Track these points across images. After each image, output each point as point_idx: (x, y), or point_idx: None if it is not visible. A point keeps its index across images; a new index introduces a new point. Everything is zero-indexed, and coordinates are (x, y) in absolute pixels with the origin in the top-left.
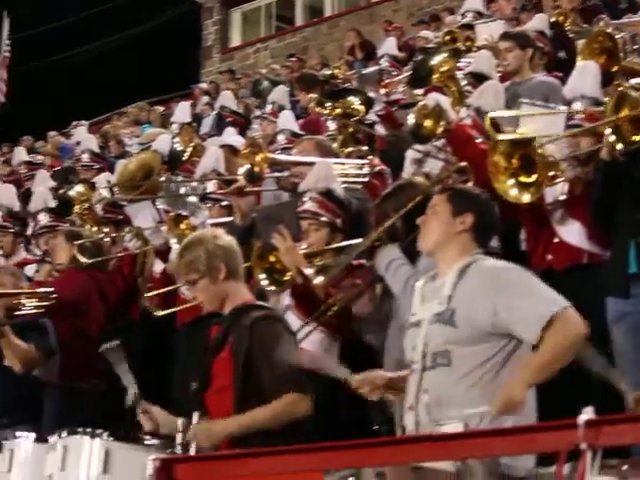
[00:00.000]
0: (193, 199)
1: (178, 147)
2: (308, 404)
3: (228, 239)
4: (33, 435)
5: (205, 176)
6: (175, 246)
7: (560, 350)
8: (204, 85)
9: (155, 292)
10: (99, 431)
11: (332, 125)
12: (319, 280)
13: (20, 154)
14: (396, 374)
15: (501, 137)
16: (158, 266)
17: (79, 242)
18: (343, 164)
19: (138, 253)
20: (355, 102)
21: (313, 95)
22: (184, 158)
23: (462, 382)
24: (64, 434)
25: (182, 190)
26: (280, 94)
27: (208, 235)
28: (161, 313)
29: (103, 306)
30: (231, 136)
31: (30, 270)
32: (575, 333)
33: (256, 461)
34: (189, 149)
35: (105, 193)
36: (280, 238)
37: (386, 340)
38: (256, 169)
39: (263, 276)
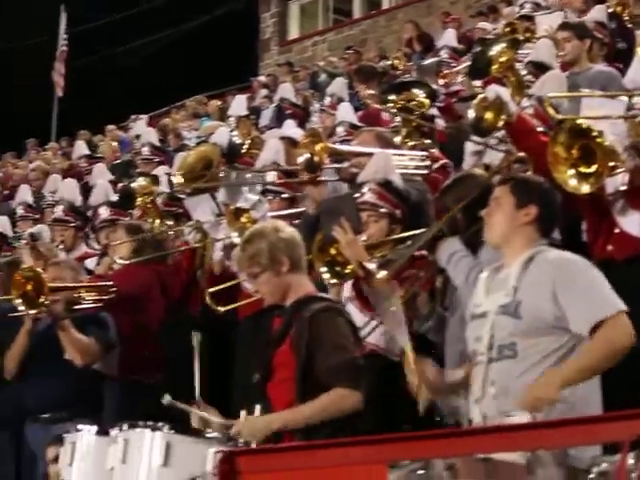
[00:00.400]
0: (253, 193)
1: (236, 140)
2: (357, 400)
3: (290, 231)
4: (94, 428)
5: (265, 168)
6: (236, 240)
7: (601, 356)
8: (262, 78)
9: (216, 288)
10: (160, 424)
11: (397, 117)
12: (382, 274)
13: (80, 148)
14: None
15: (562, 117)
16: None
17: (140, 235)
18: (402, 155)
19: (198, 247)
20: (420, 95)
21: (373, 91)
22: (242, 151)
23: (528, 374)
24: (125, 427)
25: (243, 182)
26: (339, 86)
27: (270, 228)
28: (223, 309)
29: (163, 300)
30: (290, 128)
31: (91, 264)
32: (621, 343)
33: (318, 453)
34: (247, 142)
35: (165, 187)
36: (341, 231)
37: (447, 332)
38: (315, 159)
39: (324, 269)
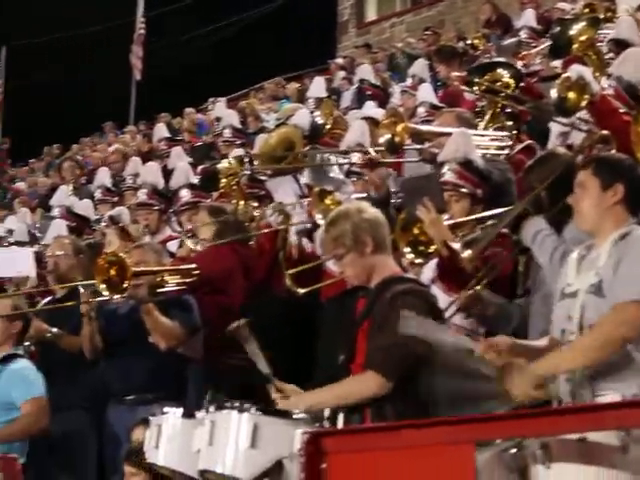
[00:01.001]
0: (338, 174)
1: (319, 120)
2: (382, 387)
3: (374, 212)
4: (180, 410)
5: (349, 149)
6: (320, 221)
7: (601, 338)
8: (340, 60)
9: (296, 270)
10: (247, 405)
11: (481, 98)
12: (467, 253)
13: (161, 131)
14: (523, 341)
15: None
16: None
17: (222, 218)
18: (484, 136)
19: (280, 228)
20: (505, 75)
21: (457, 72)
22: (324, 131)
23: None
24: (212, 409)
25: (327, 163)
26: (420, 67)
27: (353, 209)
28: (303, 291)
29: (247, 282)
30: (371, 109)
31: (174, 246)
32: (619, 330)
33: (404, 433)
34: (330, 122)
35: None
36: (424, 210)
37: (530, 310)
38: (397, 139)
39: (407, 249)
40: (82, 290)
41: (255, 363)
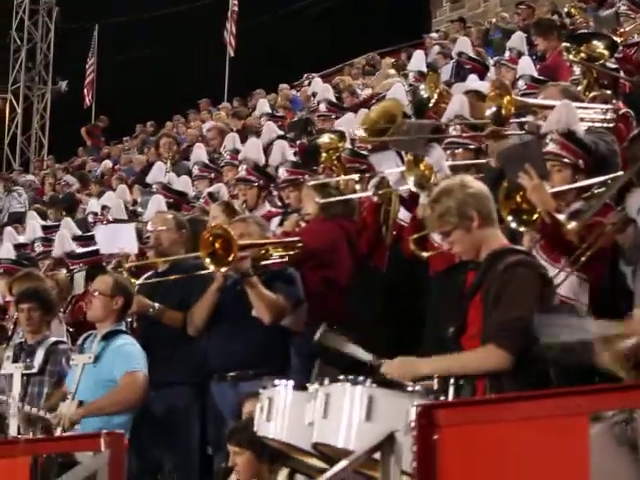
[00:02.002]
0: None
1: (424, 94)
2: (505, 361)
3: (477, 185)
4: (292, 383)
5: (449, 121)
6: (413, 187)
7: None
8: (434, 34)
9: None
10: (361, 378)
11: (576, 70)
12: (572, 225)
13: (262, 106)
14: None
15: None
16: (402, 214)
17: (326, 192)
18: (587, 109)
19: (383, 201)
20: (600, 46)
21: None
22: (430, 105)
23: None
24: (326, 382)
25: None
26: (518, 40)
27: (456, 184)
28: (427, 254)
29: (351, 255)
30: (474, 82)
31: (274, 223)
32: None
33: (518, 405)
34: (435, 95)
35: (348, 143)
36: (527, 177)
37: (635, 282)
38: (503, 111)
39: (510, 217)
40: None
41: (356, 359)
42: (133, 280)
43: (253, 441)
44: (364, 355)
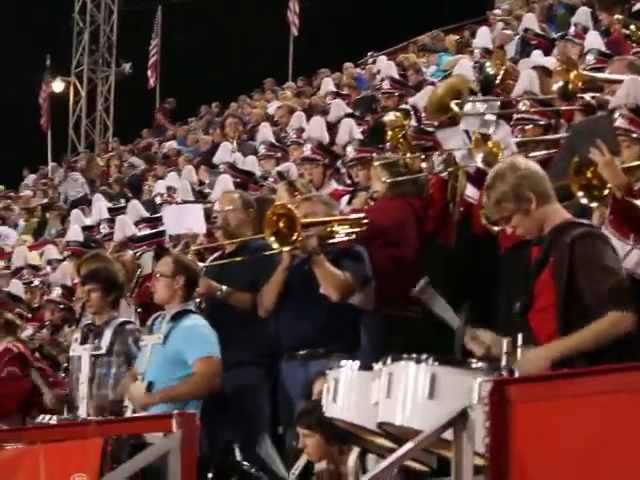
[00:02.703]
0: (491, 116)
1: (490, 71)
2: (630, 321)
3: (529, 165)
4: (357, 363)
5: (519, 97)
6: (481, 165)
7: None
8: (498, 11)
9: None
10: (424, 356)
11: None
12: None
13: (327, 85)
14: None
15: None
16: (469, 190)
17: (394, 169)
18: None
19: (449, 178)
20: None
21: (618, 16)
22: (496, 82)
23: None
24: (389, 361)
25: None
26: (583, 15)
27: (507, 167)
28: (498, 228)
29: (419, 232)
30: (541, 57)
31: (342, 202)
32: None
33: (593, 380)
34: (501, 72)
35: (413, 120)
36: (597, 152)
37: None
38: (570, 86)
39: (581, 193)
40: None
41: (443, 319)
42: (200, 263)
43: (322, 423)
44: (453, 320)
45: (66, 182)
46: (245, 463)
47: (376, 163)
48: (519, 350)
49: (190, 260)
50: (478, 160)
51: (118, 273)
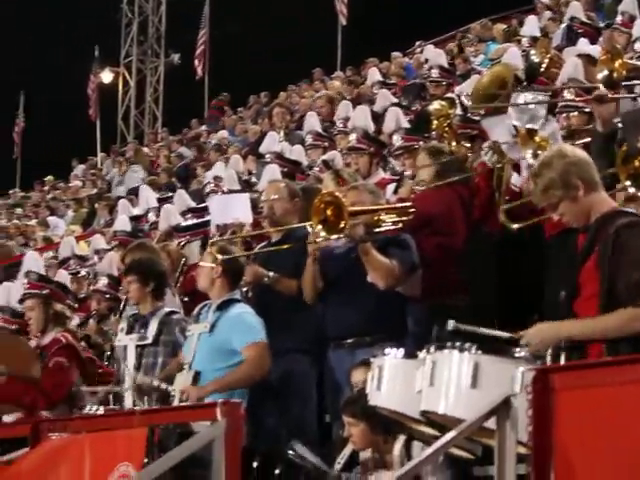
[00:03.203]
0: (541, 110)
1: (535, 59)
2: None
3: (576, 152)
4: (402, 351)
5: (564, 85)
6: (530, 161)
7: None
8: (545, 0)
9: (511, 205)
10: (467, 345)
11: None
12: None
13: (373, 75)
14: None
15: None
16: (515, 179)
17: (441, 158)
18: None
19: (495, 167)
20: None
21: None
22: (541, 70)
23: None
24: (432, 349)
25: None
26: (630, 4)
27: (555, 155)
28: (516, 226)
29: (466, 221)
30: (586, 46)
31: (389, 190)
32: None
33: (634, 368)
34: (546, 60)
35: (458, 109)
36: None
37: None
38: (615, 75)
39: (628, 182)
40: (309, 229)
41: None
42: (247, 250)
43: (367, 412)
44: (501, 333)
45: (125, 175)
46: (291, 452)
47: (422, 152)
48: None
49: (235, 250)
50: (528, 156)
51: (159, 263)
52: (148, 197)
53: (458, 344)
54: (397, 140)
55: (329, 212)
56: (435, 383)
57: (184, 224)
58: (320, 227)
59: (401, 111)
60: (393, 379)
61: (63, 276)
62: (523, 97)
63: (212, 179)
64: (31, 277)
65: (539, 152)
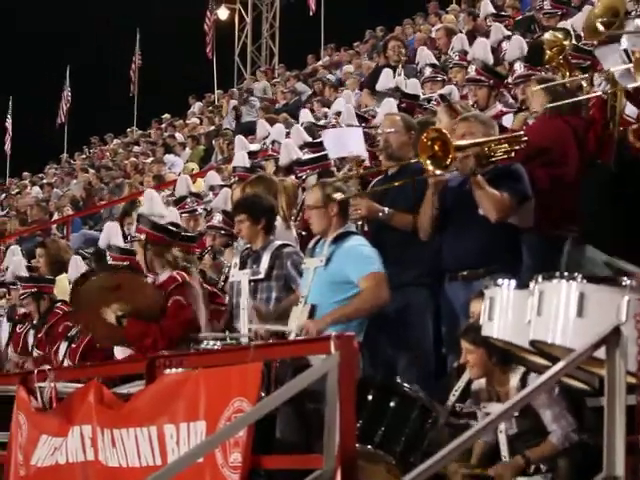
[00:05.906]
0: None
1: None
2: None
3: None
4: (514, 282)
5: None
6: None
7: None
8: None
9: None
10: (574, 274)
11: None
12: None
13: (486, 7)
14: None
15: None
16: (629, 109)
17: (554, 88)
18: None
19: (608, 97)
20: None
21: None
22: None
23: None
24: (540, 279)
25: None
26: None
27: None
28: None
29: (579, 152)
30: None
31: (507, 121)
32: None
33: None
34: None
35: (568, 41)
36: None
37: None
38: None
39: None
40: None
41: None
42: (363, 185)
43: (487, 339)
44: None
45: (244, 106)
46: (406, 385)
47: (533, 82)
48: None
49: (339, 186)
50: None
51: (267, 198)
52: (264, 132)
53: (565, 274)
54: (519, 67)
55: (436, 147)
56: (543, 313)
57: (304, 158)
58: (428, 162)
59: (524, 41)
60: (505, 310)
61: (174, 214)
62: (637, 23)
63: (334, 114)
64: (142, 221)
65: None
